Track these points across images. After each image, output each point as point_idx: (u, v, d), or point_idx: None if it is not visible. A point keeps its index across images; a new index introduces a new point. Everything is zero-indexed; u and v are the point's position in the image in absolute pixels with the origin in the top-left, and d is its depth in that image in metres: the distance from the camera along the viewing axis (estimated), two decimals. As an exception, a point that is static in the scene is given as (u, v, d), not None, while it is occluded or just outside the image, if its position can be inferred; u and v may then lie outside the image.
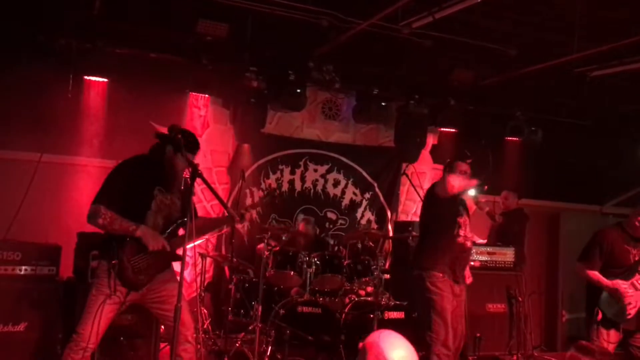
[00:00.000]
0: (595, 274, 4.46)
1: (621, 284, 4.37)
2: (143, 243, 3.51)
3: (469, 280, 4.86)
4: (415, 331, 4.74)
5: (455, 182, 4.47)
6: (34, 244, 4.62)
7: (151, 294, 3.68)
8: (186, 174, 3.56)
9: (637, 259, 4.47)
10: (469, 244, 4.70)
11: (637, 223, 4.50)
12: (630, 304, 4.33)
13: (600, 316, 4.35)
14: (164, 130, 3.71)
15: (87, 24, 5.55)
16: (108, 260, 3.50)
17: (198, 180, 3.39)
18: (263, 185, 7.00)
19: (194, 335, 3.86)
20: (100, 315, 3.40)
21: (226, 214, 3.88)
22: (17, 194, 5.40)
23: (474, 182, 4.57)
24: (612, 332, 4.36)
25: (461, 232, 4.63)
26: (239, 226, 6.48)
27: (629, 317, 4.36)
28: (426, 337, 4.43)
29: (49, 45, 5.52)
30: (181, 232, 3.74)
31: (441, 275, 4.51)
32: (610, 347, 4.34)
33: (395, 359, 1.97)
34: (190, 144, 3.64)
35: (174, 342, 3.22)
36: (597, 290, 4.45)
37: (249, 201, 6.71)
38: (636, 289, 4.38)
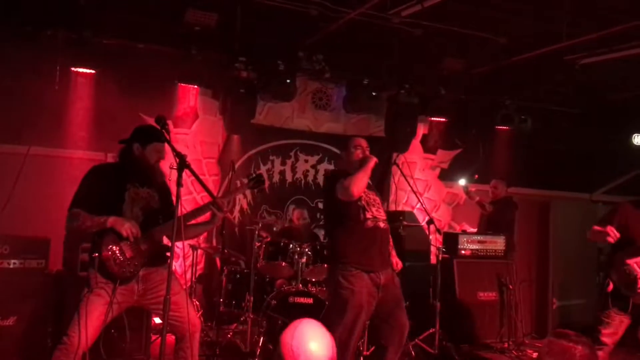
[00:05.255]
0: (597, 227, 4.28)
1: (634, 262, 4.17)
2: (117, 231, 3.43)
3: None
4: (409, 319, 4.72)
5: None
6: (23, 237, 4.60)
7: (149, 294, 3.59)
8: (173, 165, 3.50)
9: None
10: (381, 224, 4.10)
11: None
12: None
13: (611, 287, 4.29)
14: (151, 121, 3.66)
15: (73, 14, 5.48)
16: (90, 254, 3.46)
17: (186, 171, 3.33)
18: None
19: (200, 332, 3.79)
20: (87, 314, 3.32)
21: (212, 201, 3.74)
22: (5, 186, 5.38)
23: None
24: (621, 306, 4.16)
25: (368, 214, 4.03)
26: (229, 216, 6.44)
27: None
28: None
29: (35, 35, 5.46)
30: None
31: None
32: (624, 320, 4.18)
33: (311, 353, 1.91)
34: (155, 133, 3.54)
35: (163, 334, 3.19)
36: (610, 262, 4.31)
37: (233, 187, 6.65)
38: None
